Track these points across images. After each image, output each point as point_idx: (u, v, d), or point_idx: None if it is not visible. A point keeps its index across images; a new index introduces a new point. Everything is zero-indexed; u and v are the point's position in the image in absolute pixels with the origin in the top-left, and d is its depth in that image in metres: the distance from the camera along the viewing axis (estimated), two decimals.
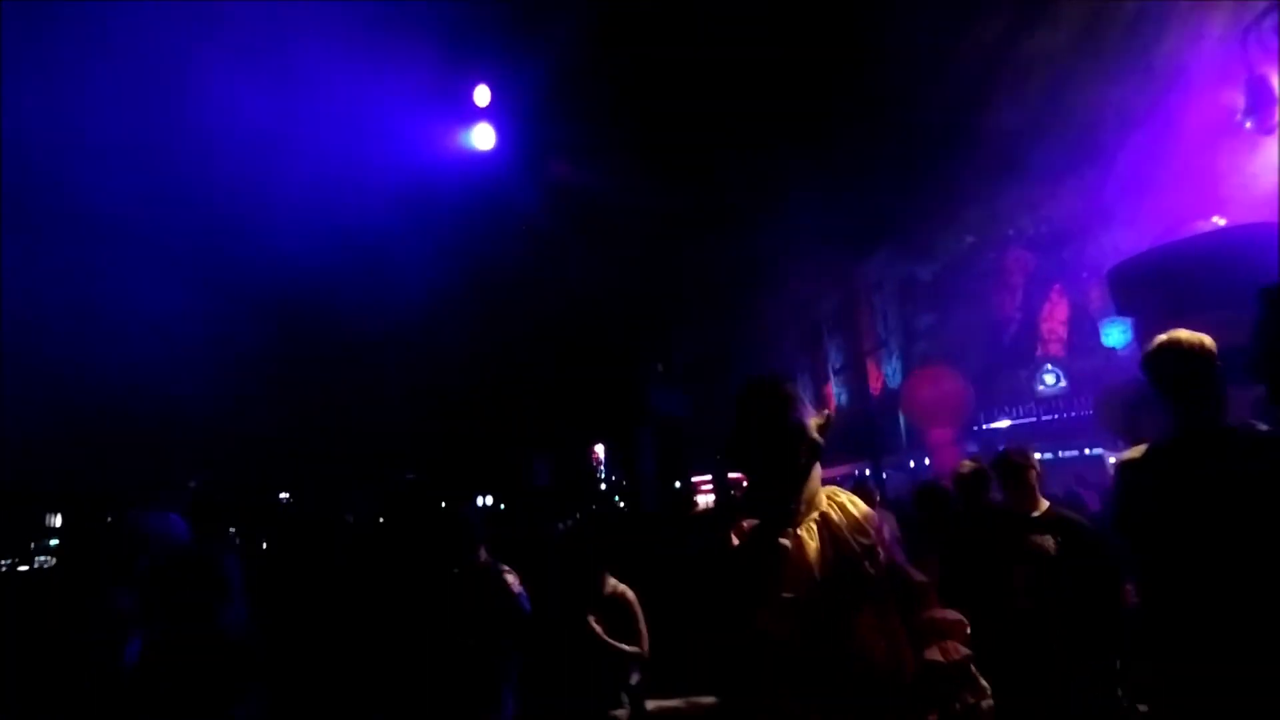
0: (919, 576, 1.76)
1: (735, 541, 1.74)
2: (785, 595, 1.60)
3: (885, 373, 18.05)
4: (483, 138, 7.42)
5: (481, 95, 7.43)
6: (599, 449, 20.24)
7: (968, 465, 3.76)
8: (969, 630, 1.72)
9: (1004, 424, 14.79)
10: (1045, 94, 8.62)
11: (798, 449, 1.66)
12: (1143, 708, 2.93)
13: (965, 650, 1.68)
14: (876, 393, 17.92)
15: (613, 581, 3.33)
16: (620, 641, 3.19)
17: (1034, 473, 3.12)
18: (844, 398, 20.82)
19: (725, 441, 1.75)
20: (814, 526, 1.69)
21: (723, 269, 12.36)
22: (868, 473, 15.70)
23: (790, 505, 1.67)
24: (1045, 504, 3.14)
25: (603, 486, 19.40)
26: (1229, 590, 1.83)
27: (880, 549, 1.67)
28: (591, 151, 9.88)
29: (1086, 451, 13.65)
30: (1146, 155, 7.85)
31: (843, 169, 11.54)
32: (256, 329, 9.87)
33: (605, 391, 11.48)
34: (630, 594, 3.32)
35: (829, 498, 1.74)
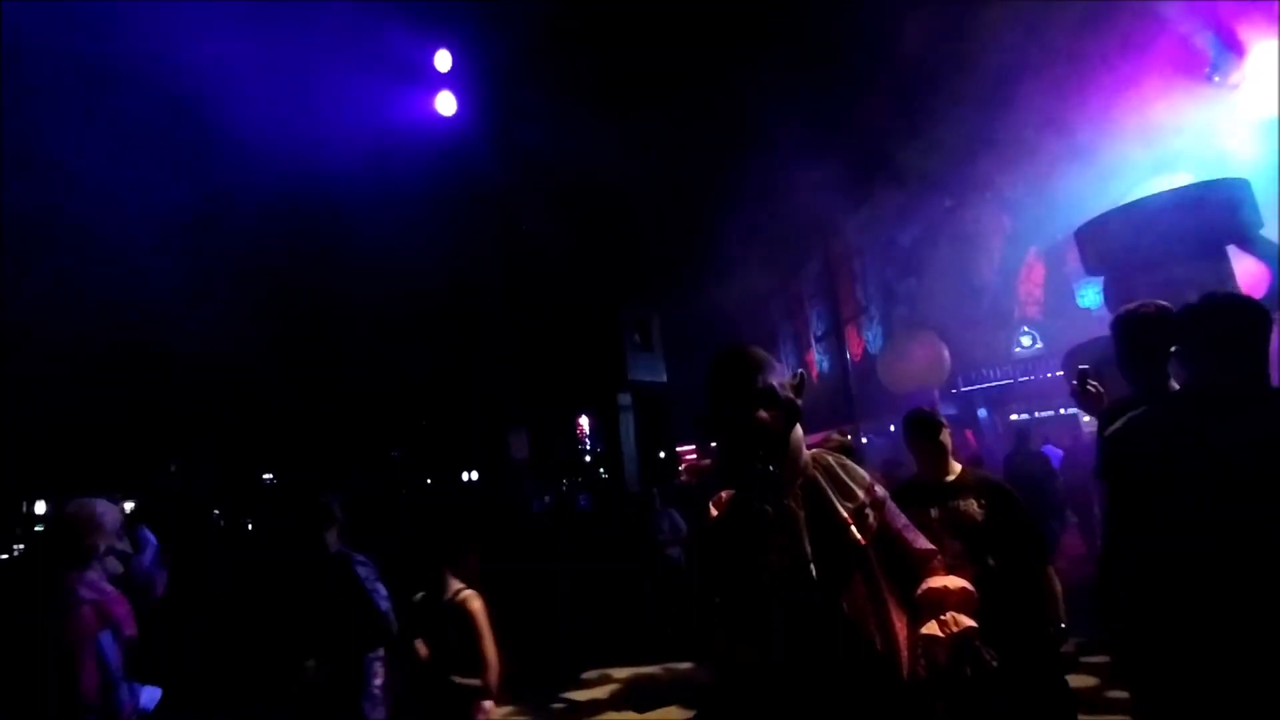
0: (920, 543, 1.66)
1: (714, 514, 1.67)
2: (768, 568, 1.51)
3: (866, 338, 18.13)
4: (445, 104, 7.26)
5: (442, 60, 7.26)
6: (584, 421, 20.25)
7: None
8: (975, 598, 1.57)
9: (982, 386, 14.94)
10: (1018, 56, 8.55)
11: (771, 412, 1.57)
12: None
13: (969, 622, 1.53)
14: (857, 359, 18.02)
15: (456, 585, 2.74)
16: (459, 662, 2.60)
17: (946, 432, 2.91)
18: (826, 365, 20.92)
19: (699, 415, 1.67)
20: (799, 494, 1.60)
21: (702, 236, 12.28)
22: (849, 437, 15.84)
23: (770, 472, 1.56)
24: (958, 467, 2.95)
25: (588, 459, 19.48)
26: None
27: (871, 513, 1.59)
28: (563, 117, 9.70)
29: (1062, 411, 13.85)
30: (1115, 114, 7.82)
31: (820, 132, 11.43)
32: (218, 307, 9.71)
33: (584, 362, 11.44)
34: (475, 602, 2.70)
35: (814, 461, 1.65)
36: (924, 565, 1.65)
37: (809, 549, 1.52)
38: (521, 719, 5.60)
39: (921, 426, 2.92)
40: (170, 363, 10.87)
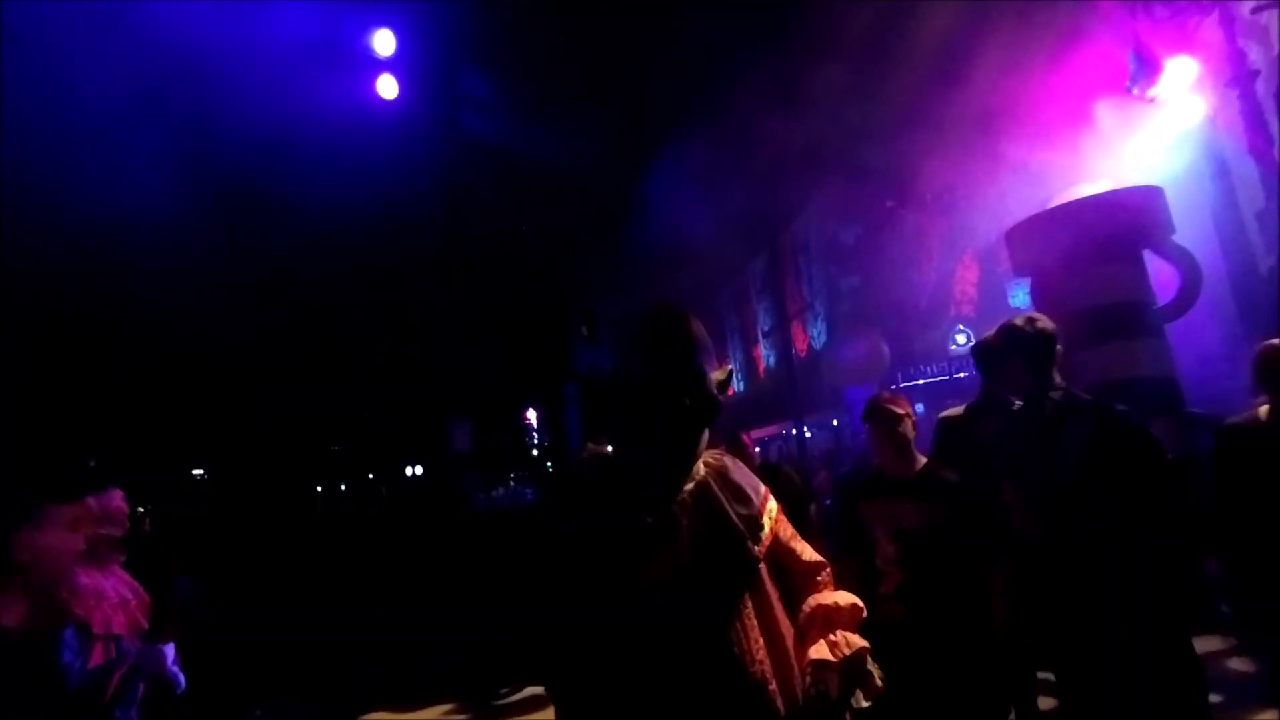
0: (808, 555, 1.51)
1: (570, 511, 1.42)
2: (647, 583, 1.28)
3: (811, 334, 18.50)
4: (386, 87, 7.06)
5: (384, 42, 7.04)
6: (530, 413, 20.03)
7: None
8: (864, 615, 1.45)
9: (919, 382, 15.45)
10: (955, 68, 8.84)
11: (695, 400, 1.34)
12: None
13: (859, 642, 1.39)
14: (803, 354, 18.37)
15: None
16: None
17: (909, 423, 2.65)
18: (772, 360, 21.27)
19: (603, 379, 1.43)
20: (687, 500, 1.39)
21: (650, 229, 12.28)
22: (793, 431, 16.19)
23: (671, 475, 1.38)
24: (922, 460, 2.72)
25: (535, 451, 19.32)
26: None
27: (766, 521, 1.43)
28: (510, 104, 9.57)
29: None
30: (1045, 124, 8.15)
31: (767, 129, 11.57)
32: (149, 299, 9.25)
33: (530, 353, 11.33)
34: None
35: (707, 464, 1.46)
36: (811, 579, 1.49)
37: (694, 563, 1.31)
38: (460, 716, 5.53)
39: (877, 415, 2.69)
40: (99, 353, 10.29)
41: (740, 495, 1.44)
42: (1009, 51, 7.83)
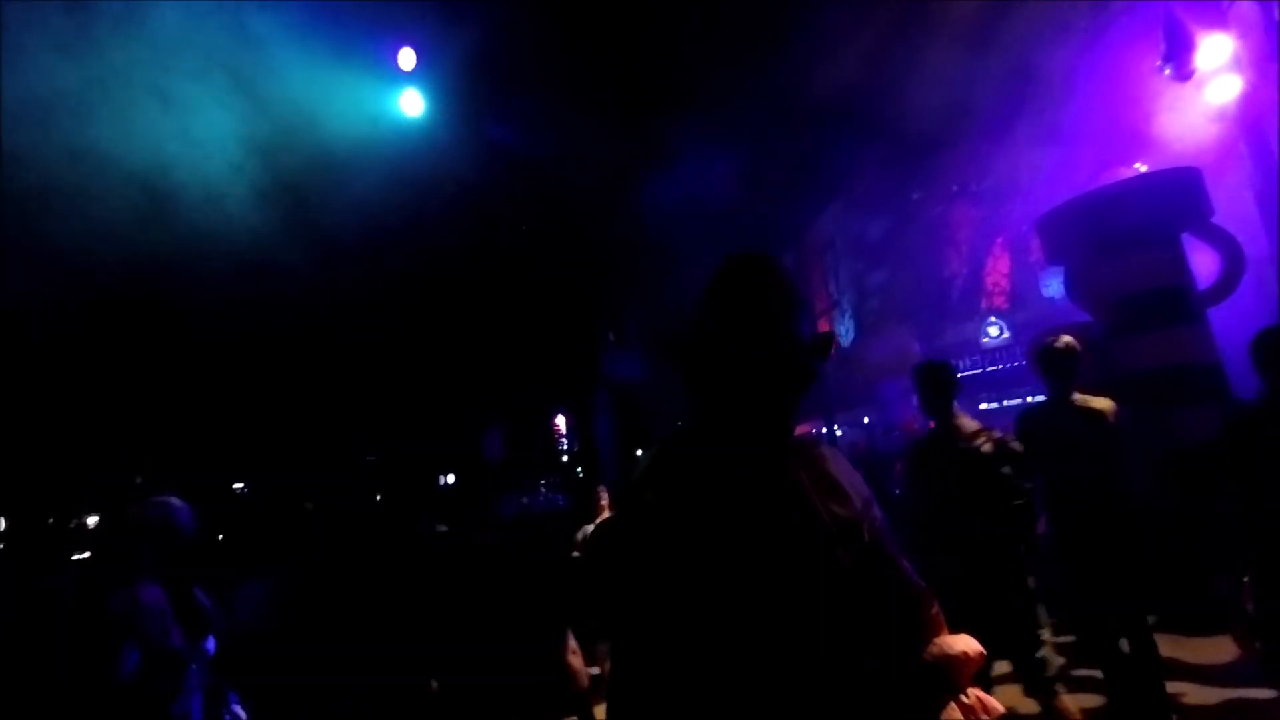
0: (914, 581, 1.24)
1: (648, 507, 1.12)
2: (730, 595, 1.05)
3: (839, 331, 18.33)
4: (411, 103, 7.19)
5: (406, 59, 7.18)
6: (560, 420, 20.16)
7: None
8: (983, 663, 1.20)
9: None
10: (982, 50, 8.70)
11: (790, 374, 1.12)
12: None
13: (997, 709, 1.17)
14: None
15: None
16: None
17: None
18: None
19: (676, 339, 1.19)
20: (770, 490, 1.12)
21: (675, 232, 12.31)
22: (838, 430, 16.04)
23: (752, 459, 1.12)
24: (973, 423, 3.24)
25: (565, 458, 19.44)
26: None
27: (865, 527, 1.16)
28: (536, 115, 9.66)
29: (1029, 399, 14.14)
30: (1076, 107, 7.99)
31: (791, 127, 11.52)
32: (176, 314, 9.51)
33: (559, 360, 11.41)
34: None
35: (798, 450, 1.19)
36: (922, 609, 1.22)
37: (788, 571, 1.07)
38: None
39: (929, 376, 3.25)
40: (122, 366, 10.58)
41: (836, 492, 1.17)
42: (1038, 36, 7.69)
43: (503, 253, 10.74)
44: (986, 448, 3.06)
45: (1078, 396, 3.45)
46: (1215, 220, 5.93)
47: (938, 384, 3.30)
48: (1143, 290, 5.50)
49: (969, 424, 3.18)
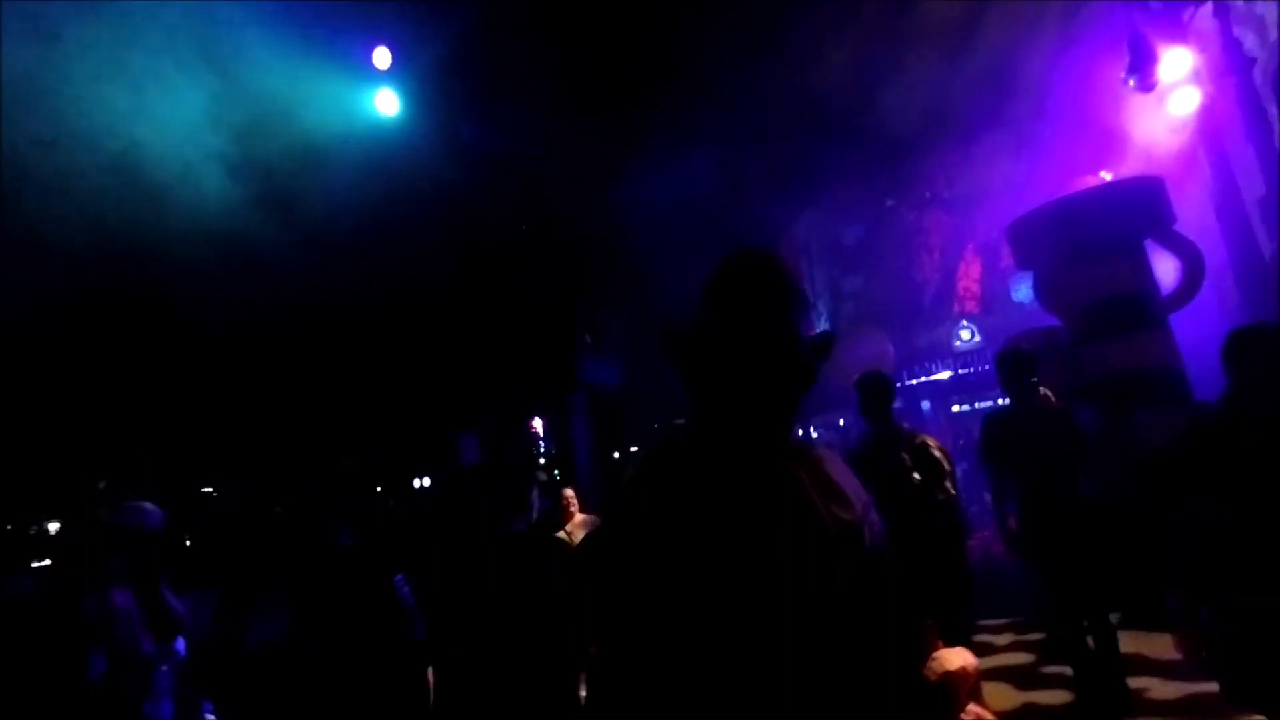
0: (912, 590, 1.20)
1: (641, 515, 1.10)
2: (730, 605, 1.02)
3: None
4: (386, 102, 7.12)
5: (381, 58, 7.10)
6: (537, 423, 20.03)
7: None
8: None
9: (926, 380, 15.43)
10: (953, 59, 8.86)
11: (791, 373, 1.10)
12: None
13: None
14: None
15: None
16: None
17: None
18: None
19: (674, 335, 1.14)
20: (768, 493, 1.09)
21: (651, 235, 12.34)
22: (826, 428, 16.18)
23: (763, 459, 1.10)
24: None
25: (542, 460, 19.34)
26: None
27: (866, 532, 1.12)
28: (510, 115, 9.62)
29: (1000, 402, 14.41)
30: (1045, 117, 8.17)
31: (765, 133, 11.61)
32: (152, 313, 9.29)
33: (533, 363, 11.35)
34: None
35: (796, 453, 1.15)
36: (919, 643, 1.22)
37: (792, 583, 1.04)
38: None
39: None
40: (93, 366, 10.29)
41: (837, 496, 1.13)
42: (1007, 48, 7.85)
43: (478, 255, 10.67)
44: (907, 456, 3.49)
45: (1039, 399, 3.72)
46: (1177, 228, 6.10)
47: (877, 393, 3.80)
48: (1108, 296, 5.65)
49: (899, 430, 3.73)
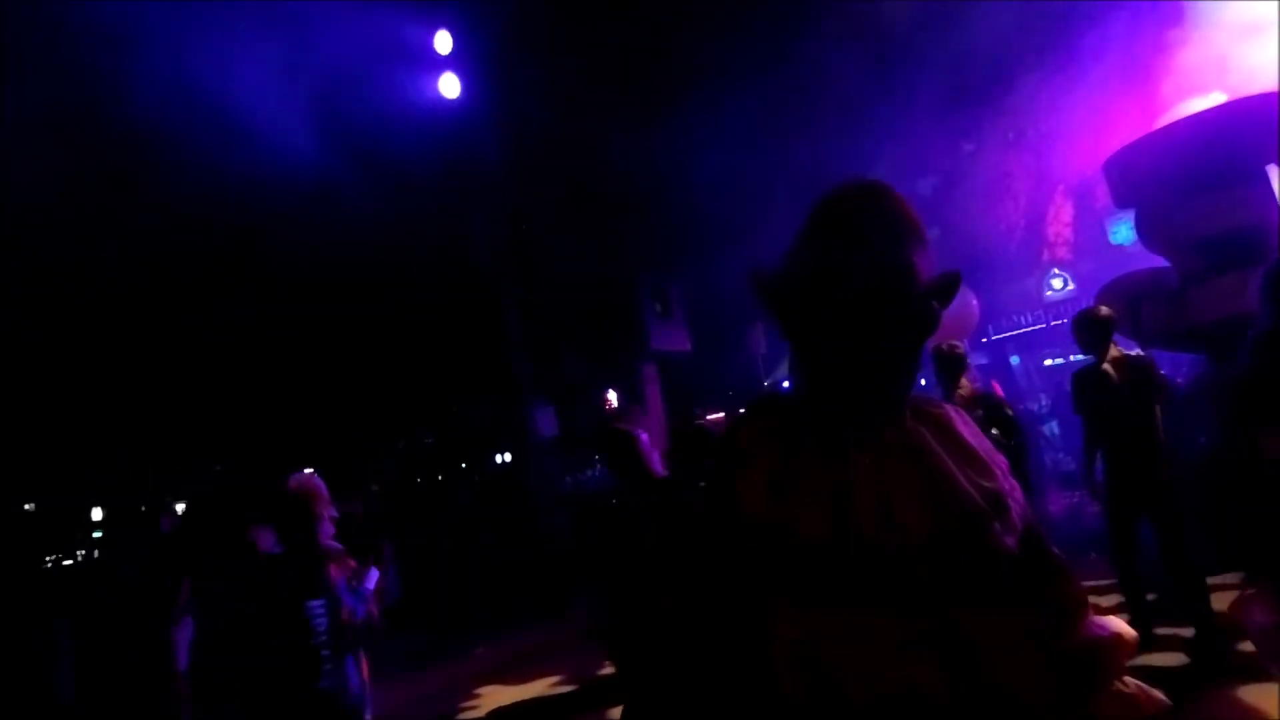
0: (1059, 559, 1.02)
1: (753, 473, 0.97)
2: (866, 579, 0.89)
3: None
4: (449, 86, 7.21)
5: (443, 42, 7.18)
6: (611, 395, 20.37)
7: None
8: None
9: (1013, 333, 14.67)
10: None
11: (913, 317, 0.94)
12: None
13: (1161, 699, 0.99)
14: None
15: None
16: None
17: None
18: None
19: (768, 277, 1.02)
20: (894, 454, 0.96)
21: (718, 200, 12.12)
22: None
23: (883, 420, 0.97)
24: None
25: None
26: None
27: (1012, 503, 0.98)
28: (571, 92, 9.59)
29: (1133, 354, 13.46)
30: (1141, 38, 7.46)
31: (833, 86, 11.13)
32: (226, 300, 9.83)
33: (606, 334, 11.44)
34: None
35: (919, 410, 1.02)
36: (1065, 588, 1.00)
37: (929, 550, 0.90)
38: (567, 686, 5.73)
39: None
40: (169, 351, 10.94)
41: (975, 460, 1.00)
42: None
43: (543, 232, 10.77)
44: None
45: (1114, 354, 4.09)
46: None
47: (947, 366, 4.38)
48: (1225, 229, 5.14)
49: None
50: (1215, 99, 5.53)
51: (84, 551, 13.13)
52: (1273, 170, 5.37)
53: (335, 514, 2.90)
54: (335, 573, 2.70)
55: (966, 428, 1.04)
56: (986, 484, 0.98)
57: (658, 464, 2.73)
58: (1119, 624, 1.03)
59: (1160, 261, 6.21)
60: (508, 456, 18.03)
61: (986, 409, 4.23)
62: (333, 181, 8.24)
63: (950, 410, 1.06)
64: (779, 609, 0.90)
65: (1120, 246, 12.55)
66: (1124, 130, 8.07)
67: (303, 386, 12.27)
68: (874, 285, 0.92)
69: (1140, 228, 6.10)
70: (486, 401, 12.56)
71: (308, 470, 3.17)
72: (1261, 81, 5.87)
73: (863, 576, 0.90)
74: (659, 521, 2.49)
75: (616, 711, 4.11)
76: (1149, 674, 1.03)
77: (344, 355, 11.72)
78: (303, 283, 9.76)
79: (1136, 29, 7.40)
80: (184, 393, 11.73)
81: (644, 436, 2.71)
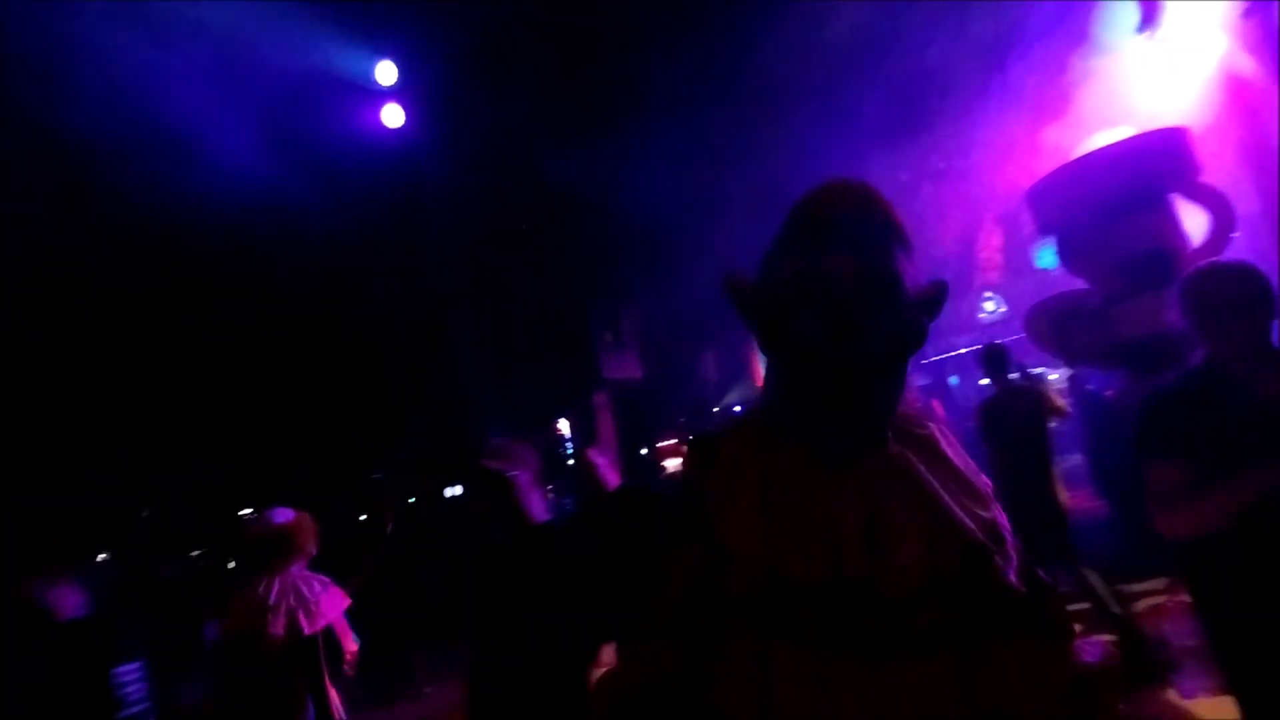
0: (1053, 585, 0.95)
1: (738, 502, 0.88)
2: (856, 626, 0.80)
3: None
4: (392, 116, 7.18)
5: (386, 73, 7.16)
6: (563, 424, 20.17)
7: None
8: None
9: (951, 354, 15.22)
10: (959, 26, 8.69)
11: (906, 328, 0.87)
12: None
13: None
14: None
15: None
16: None
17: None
18: None
19: (743, 281, 0.96)
20: (891, 482, 0.88)
21: (667, 231, 12.29)
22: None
23: (871, 437, 0.90)
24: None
25: (570, 462, 19.42)
26: None
27: (1005, 532, 0.91)
28: (518, 119, 9.63)
29: (1032, 371, 14.14)
30: (1060, 75, 7.97)
31: (776, 116, 11.49)
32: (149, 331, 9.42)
33: (556, 364, 11.39)
34: None
35: (903, 429, 0.94)
36: (1059, 616, 0.93)
37: (930, 580, 0.82)
38: None
39: None
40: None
41: (966, 486, 0.92)
42: (1014, 7, 7.67)
43: (491, 259, 10.71)
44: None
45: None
46: (1204, 179, 5.91)
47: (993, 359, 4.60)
48: (1135, 252, 5.51)
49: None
50: (1124, 133, 5.93)
51: None
52: (1178, 201, 5.78)
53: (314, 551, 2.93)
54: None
55: (952, 449, 0.96)
56: (983, 514, 0.89)
57: (539, 508, 2.40)
58: (1104, 644, 0.99)
59: (1082, 284, 6.57)
60: (458, 490, 17.63)
61: None
62: (275, 213, 8.06)
63: (935, 429, 0.97)
64: (771, 655, 0.80)
65: (1045, 270, 13.23)
66: (1045, 161, 8.57)
67: (242, 418, 11.79)
68: (861, 290, 0.84)
69: (1061, 253, 6.46)
70: (435, 433, 12.27)
71: (285, 510, 3.22)
72: (1164, 117, 6.35)
73: (852, 623, 0.80)
74: (540, 577, 2.17)
75: None
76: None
77: (286, 390, 11.34)
78: (241, 314, 9.45)
79: (1057, 68, 7.92)
80: (92, 426, 11.08)
81: (523, 477, 2.35)
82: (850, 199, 0.91)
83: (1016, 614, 0.85)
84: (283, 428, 11.93)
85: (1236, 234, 6.00)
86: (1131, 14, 6.58)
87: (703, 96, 10.05)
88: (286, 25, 7.33)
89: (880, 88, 10.52)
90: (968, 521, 0.87)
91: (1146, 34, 6.32)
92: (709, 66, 9.81)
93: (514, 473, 2.33)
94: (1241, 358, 1.92)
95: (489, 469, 2.31)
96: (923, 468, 0.90)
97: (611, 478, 3.55)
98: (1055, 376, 8.61)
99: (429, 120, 7.88)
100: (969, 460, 0.97)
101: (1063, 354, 6.83)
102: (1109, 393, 6.61)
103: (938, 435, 0.96)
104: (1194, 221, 5.99)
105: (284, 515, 3.16)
